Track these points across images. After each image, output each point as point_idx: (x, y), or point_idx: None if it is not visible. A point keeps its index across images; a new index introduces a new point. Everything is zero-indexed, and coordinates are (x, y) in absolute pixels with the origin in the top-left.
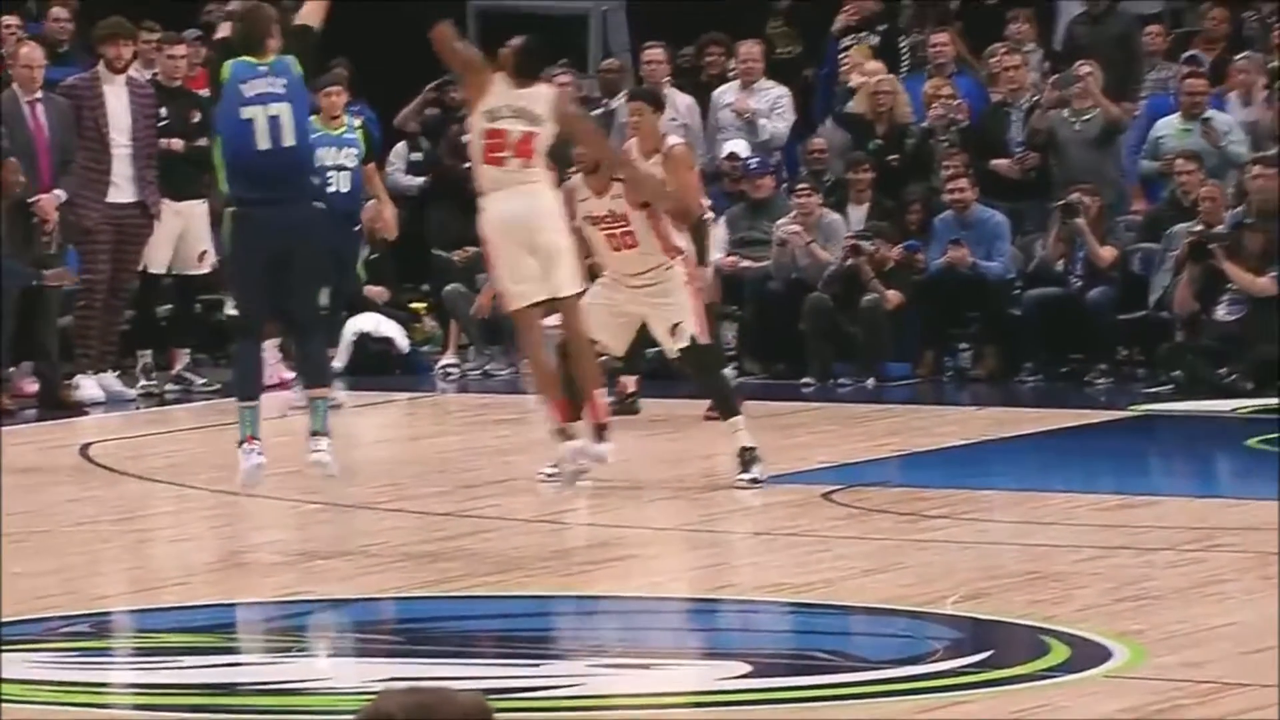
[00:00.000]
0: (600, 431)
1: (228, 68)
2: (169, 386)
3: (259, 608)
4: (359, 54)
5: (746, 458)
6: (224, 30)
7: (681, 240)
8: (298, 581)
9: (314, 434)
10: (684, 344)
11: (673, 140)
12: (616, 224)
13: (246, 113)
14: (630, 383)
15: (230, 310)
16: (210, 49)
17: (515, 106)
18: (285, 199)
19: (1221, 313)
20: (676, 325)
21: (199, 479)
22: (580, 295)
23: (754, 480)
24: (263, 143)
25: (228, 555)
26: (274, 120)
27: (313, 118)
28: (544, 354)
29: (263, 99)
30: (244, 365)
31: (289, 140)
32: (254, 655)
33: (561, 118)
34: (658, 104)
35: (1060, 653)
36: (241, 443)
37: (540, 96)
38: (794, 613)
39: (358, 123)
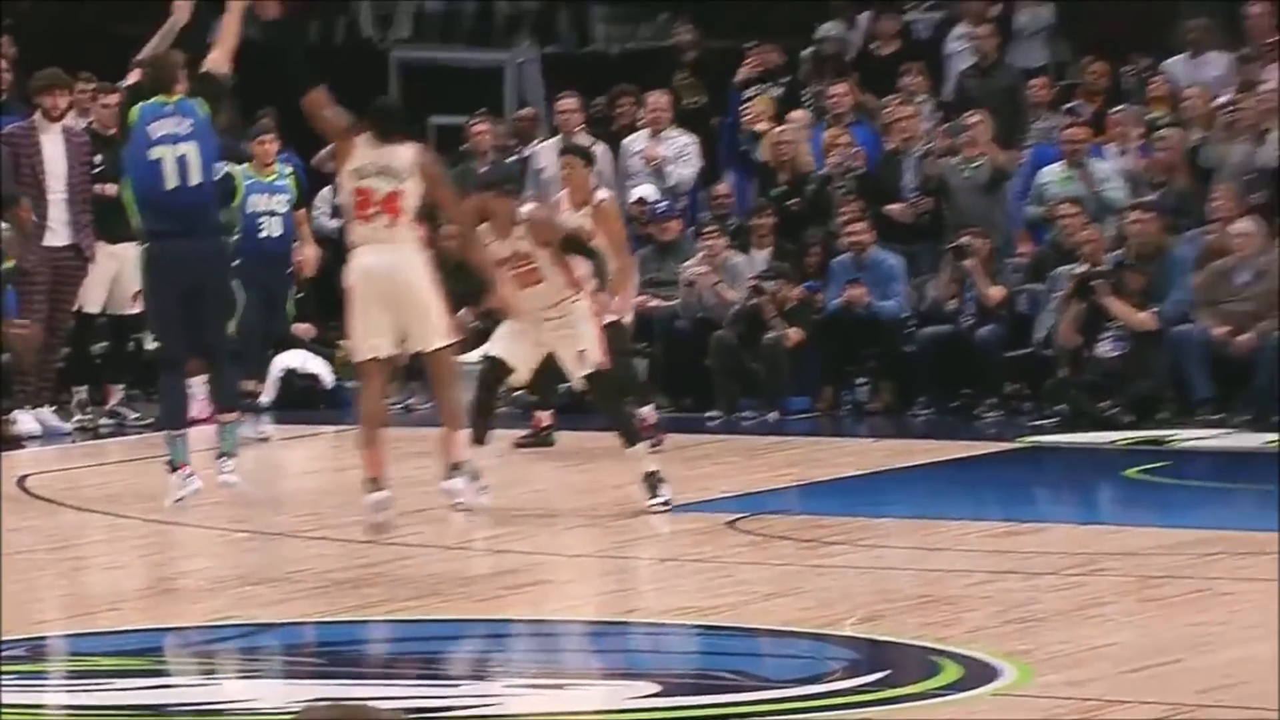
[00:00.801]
0: (453, 469)
1: (135, 111)
2: (103, 421)
3: (189, 632)
4: (285, 103)
5: (652, 481)
6: (133, 77)
7: (584, 273)
8: (226, 607)
9: (222, 456)
10: (588, 371)
11: (601, 194)
12: (521, 263)
13: (155, 153)
14: (545, 417)
15: (151, 345)
16: (121, 95)
17: (379, 165)
18: (194, 234)
19: (1103, 349)
20: (581, 352)
21: (132, 509)
22: (449, 348)
23: (665, 503)
24: (171, 181)
25: (159, 582)
26: (181, 160)
27: (246, 165)
28: (377, 407)
29: (170, 139)
30: (170, 397)
31: (196, 178)
32: (183, 677)
33: (423, 174)
34: (588, 159)
35: (952, 672)
36: (175, 468)
37: (402, 154)
38: (700, 635)
39: (288, 170)
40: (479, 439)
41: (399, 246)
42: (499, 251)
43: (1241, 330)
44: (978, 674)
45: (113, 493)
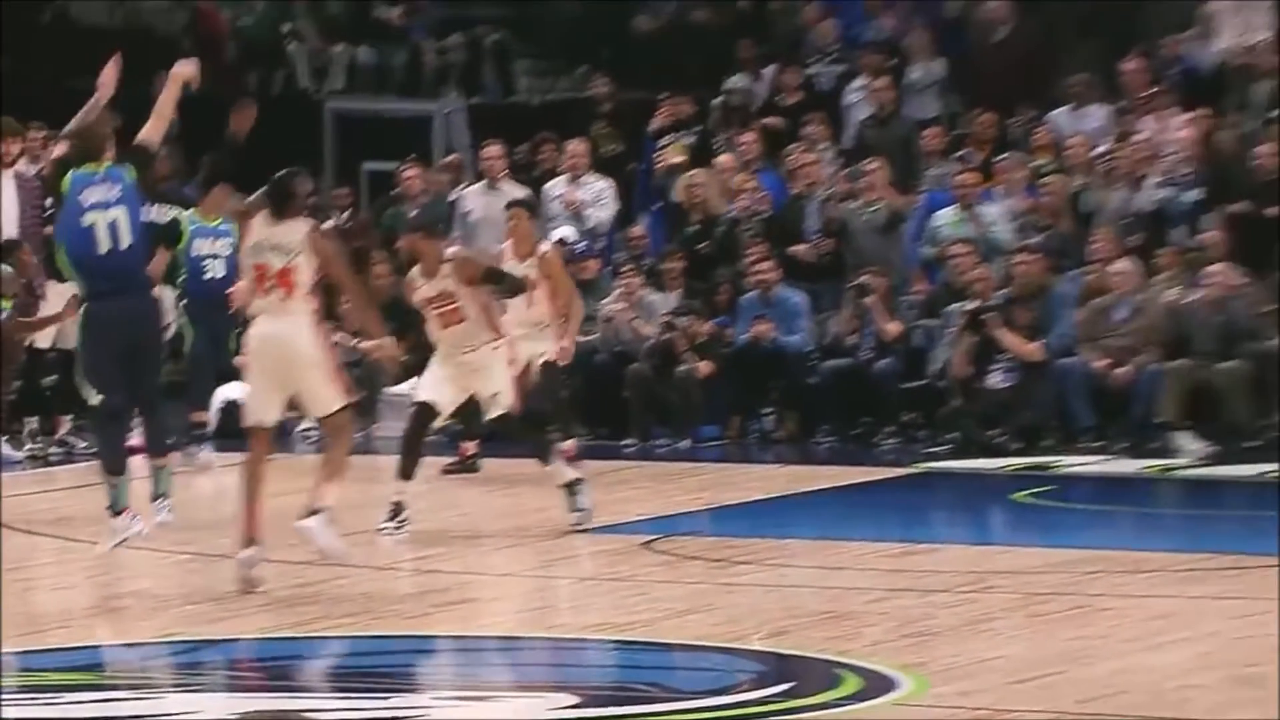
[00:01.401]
0: (313, 512)
1: (67, 180)
2: (53, 450)
3: (135, 648)
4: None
5: (573, 489)
6: (60, 149)
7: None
8: (170, 624)
9: (159, 497)
10: (499, 413)
11: (545, 246)
12: (445, 302)
13: (87, 219)
14: (471, 445)
15: (92, 399)
16: (48, 166)
17: (273, 242)
18: (128, 293)
19: (993, 380)
20: (495, 395)
21: (81, 532)
22: (343, 410)
23: (585, 510)
24: (104, 245)
25: (106, 601)
26: (112, 224)
27: (192, 210)
28: (258, 471)
29: (101, 205)
30: (109, 445)
31: (126, 241)
32: (129, 691)
33: (314, 249)
34: (534, 212)
35: (852, 684)
36: (118, 512)
37: (295, 230)
38: (617, 649)
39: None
40: (407, 474)
41: (292, 318)
42: (426, 291)
43: (1120, 363)
44: (877, 685)
45: (62, 517)
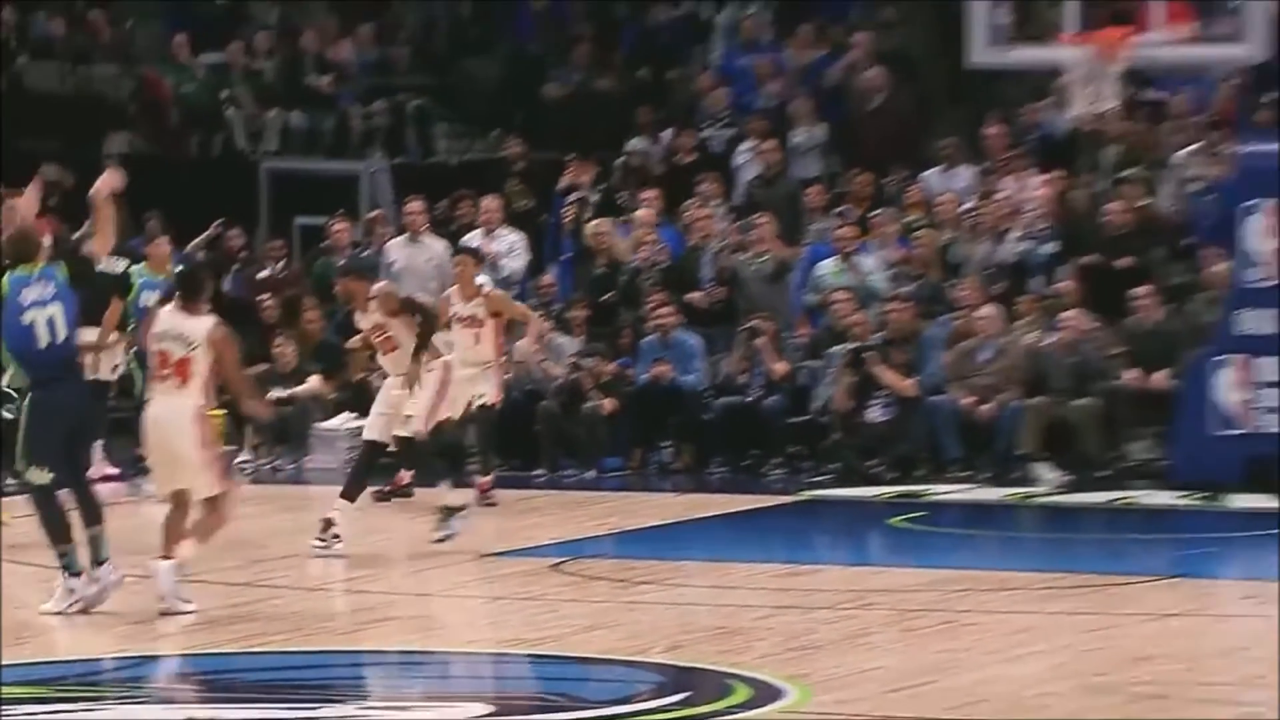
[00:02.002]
0: (165, 557)
1: (5, 281)
2: (9, 482)
3: (89, 663)
4: (169, 208)
5: (450, 514)
6: None
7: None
8: (122, 640)
9: (100, 563)
10: (402, 434)
11: (487, 286)
12: (379, 332)
13: (27, 317)
14: (406, 475)
15: (38, 480)
16: None
17: (176, 332)
18: (66, 380)
19: (872, 415)
20: (408, 417)
21: (36, 558)
22: (216, 495)
23: (449, 536)
24: (44, 340)
25: (58, 620)
26: (50, 321)
27: (142, 264)
28: (171, 530)
29: (39, 304)
30: (52, 519)
31: (63, 335)
32: (81, 703)
33: (211, 344)
34: (479, 259)
35: (743, 693)
36: (76, 574)
37: (198, 325)
38: (529, 663)
39: (179, 269)
40: (350, 496)
41: (180, 406)
42: (364, 323)
43: (985, 400)
44: (765, 694)
45: (17, 544)
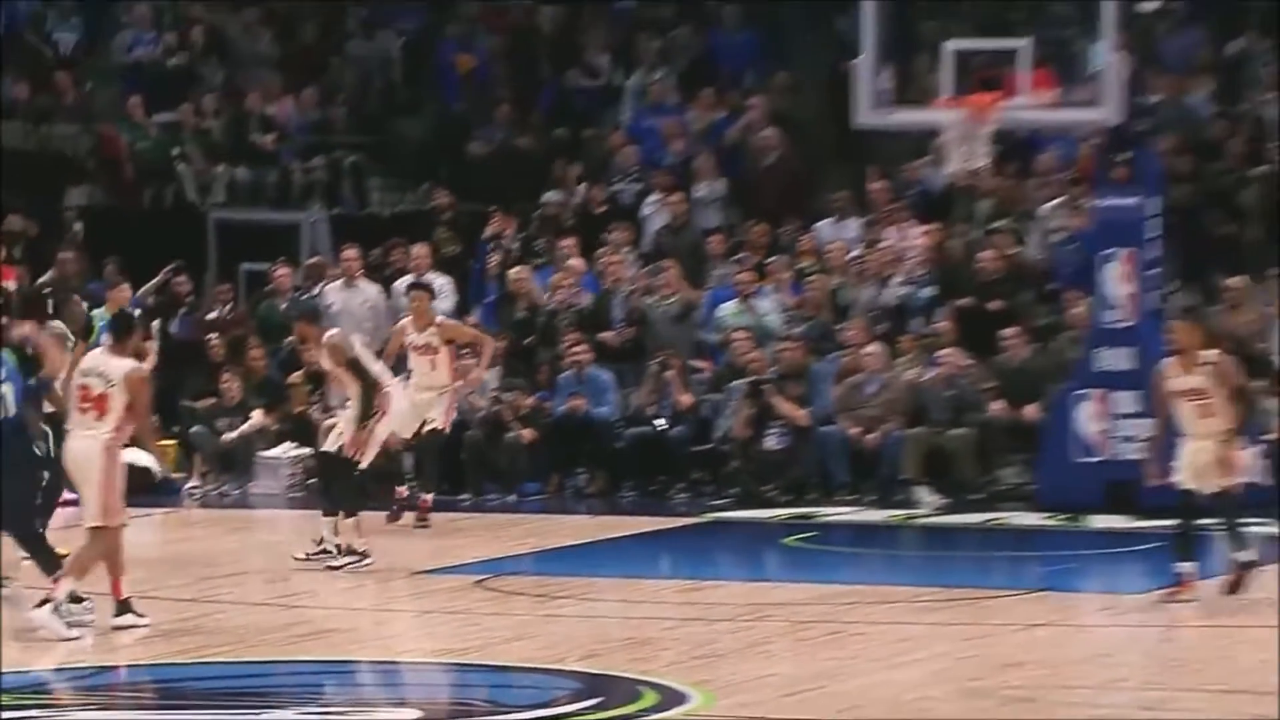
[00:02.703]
0: (44, 602)
1: None
2: None
3: (45, 673)
4: (125, 253)
5: (346, 551)
6: None
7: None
8: (75, 653)
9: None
10: (327, 449)
11: (440, 316)
12: (332, 376)
13: None
14: (428, 499)
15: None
16: None
17: (98, 370)
18: (15, 449)
19: (768, 443)
20: (340, 434)
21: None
22: (105, 528)
23: (338, 567)
24: None
25: (18, 634)
26: (1, 399)
27: (102, 308)
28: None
29: None
30: (45, 559)
31: (13, 410)
32: (40, 710)
33: (128, 383)
34: (432, 294)
35: (651, 698)
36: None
37: (120, 365)
38: (454, 671)
39: (137, 311)
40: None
41: (92, 437)
42: (321, 365)
43: (870, 430)
44: (671, 699)
45: None
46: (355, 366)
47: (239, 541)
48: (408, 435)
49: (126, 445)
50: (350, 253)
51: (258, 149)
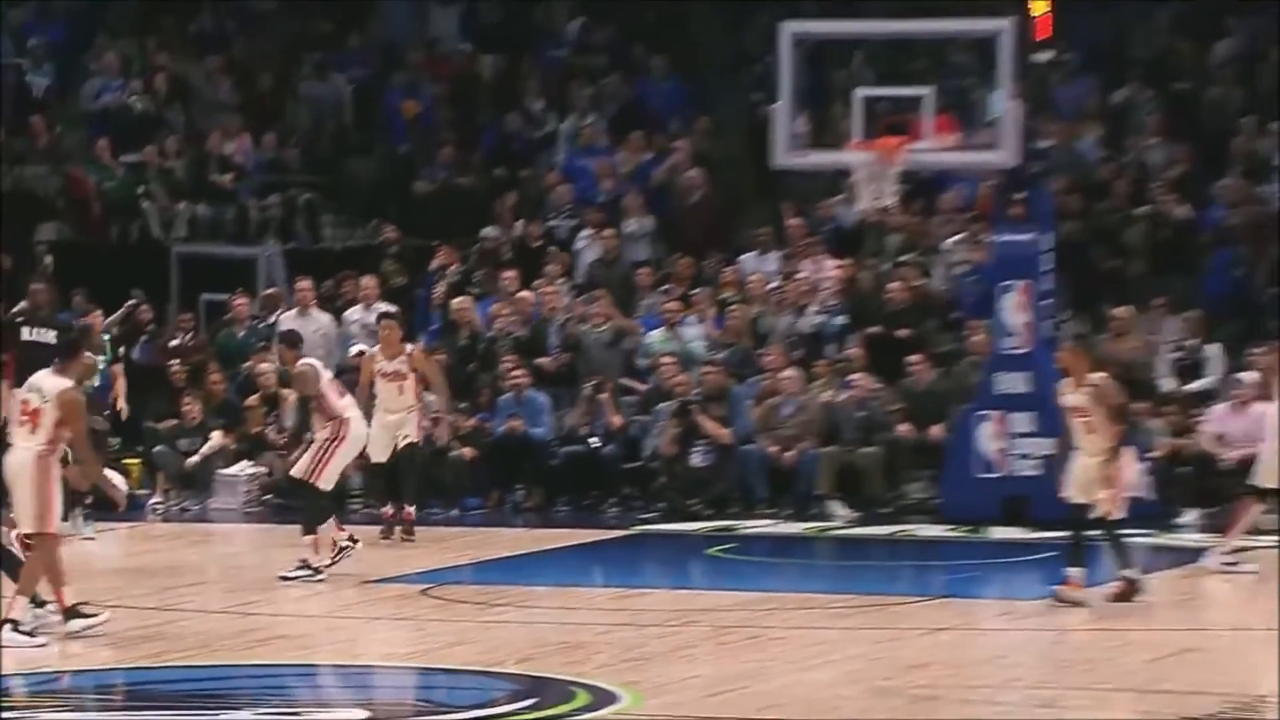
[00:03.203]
0: (71, 613)
1: None
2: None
3: (15, 678)
4: (92, 285)
5: (308, 566)
6: None
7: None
8: (44, 658)
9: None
10: (292, 473)
11: (410, 346)
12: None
13: None
14: (411, 512)
15: None
16: None
17: (38, 386)
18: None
19: (694, 460)
20: (304, 459)
21: None
22: (40, 535)
23: (296, 578)
24: None
25: None
26: None
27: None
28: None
29: None
30: (11, 568)
31: None
32: (12, 712)
33: (59, 402)
34: (401, 323)
35: (584, 698)
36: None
37: (56, 383)
38: (400, 674)
39: (106, 336)
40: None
41: (27, 449)
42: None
43: (787, 448)
44: (603, 699)
45: None
46: (318, 397)
47: (199, 554)
48: (382, 457)
49: (136, 458)
50: (304, 284)
51: (217, 188)
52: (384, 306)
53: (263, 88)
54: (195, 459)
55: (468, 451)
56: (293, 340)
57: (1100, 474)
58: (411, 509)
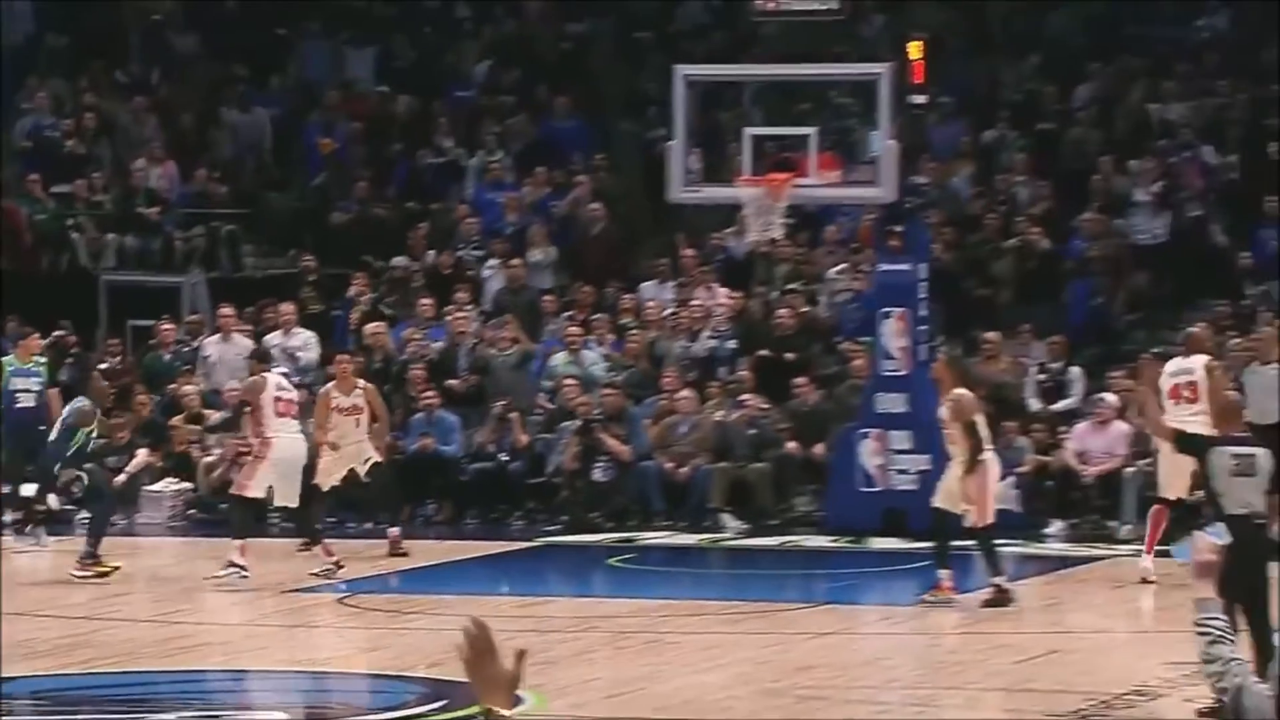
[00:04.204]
0: None
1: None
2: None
3: None
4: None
5: (229, 565)
6: None
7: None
8: None
9: None
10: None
11: (361, 383)
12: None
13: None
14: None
15: None
16: None
17: None
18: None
19: (596, 475)
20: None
21: None
22: None
23: (222, 578)
24: None
25: None
26: None
27: (11, 355)
28: None
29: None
30: None
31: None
32: None
33: None
34: (357, 360)
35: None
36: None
37: None
38: (317, 678)
39: (43, 360)
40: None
41: None
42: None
43: (683, 464)
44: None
45: None
46: (255, 408)
47: (126, 566)
48: (335, 481)
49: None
50: (226, 310)
51: (144, 219)
52: (301, 332)
53: (186, 125)
54: (123, 476)
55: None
56: (261, 356)
57: (961, 486)
58: (396, 529)
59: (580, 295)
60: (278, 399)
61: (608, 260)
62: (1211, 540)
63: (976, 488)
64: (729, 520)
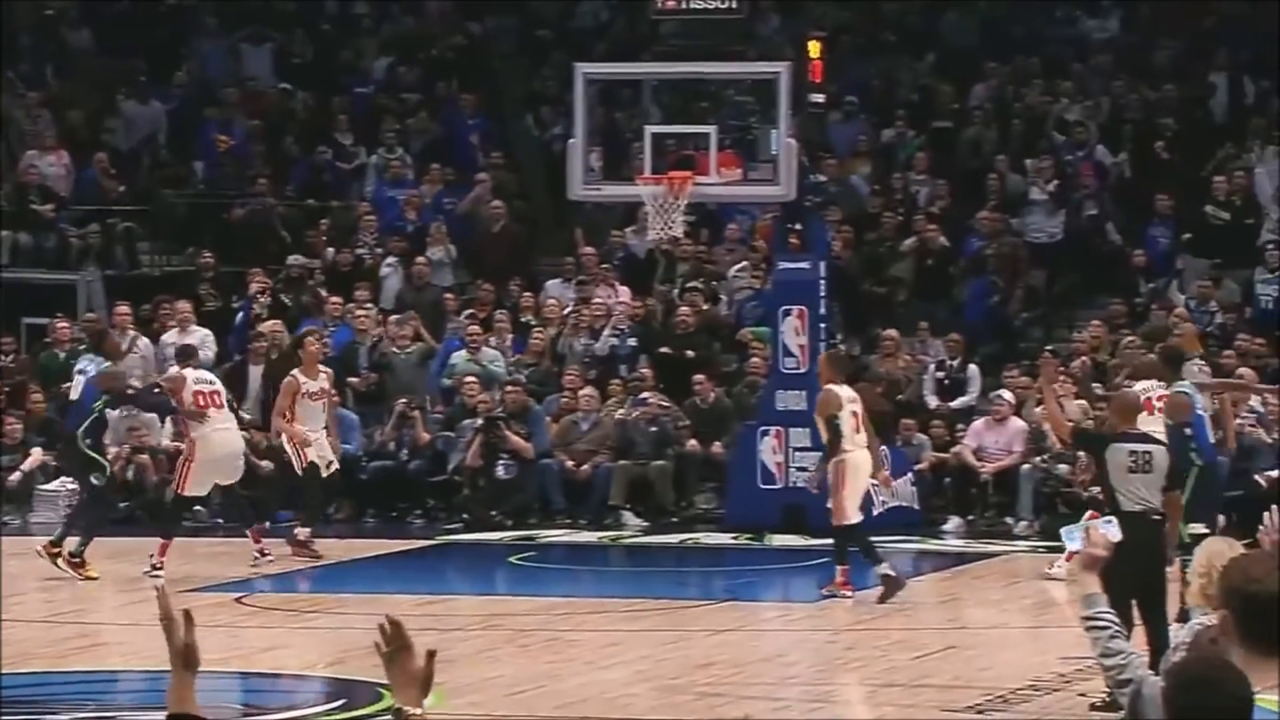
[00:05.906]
0: None
1: None
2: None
3: None
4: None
5: (154, 564)
6: None
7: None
8: None
9: None
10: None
11: (322, 369)
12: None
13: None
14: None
15: None
16: None
17: None
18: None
19: (498, 474)
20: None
21: None
22: None
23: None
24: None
25: None
26: None
27: None
28: None
29: None
30: None
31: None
32: None
33: None
34: (323, 340)
35: (390, 699)
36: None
37: None
38: (217, 678)
39: None
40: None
41: None
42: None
43: (584, 462)
44: None
45: None
46: (179, 408)
47: (19, 565)
48: (332, 458)
49: None
50: (122, 308)
51: (38, 217)
52: (198, 329)
53: (79, 122)
54: (16, 475)
55: (270, 465)
56: (184, 354)
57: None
58: (308, 530)
59: (481, 293)
60: (197, 392)
61: (508, 258)
62: (1104, 534)
63: (834, 484)
64: (629, 518)
